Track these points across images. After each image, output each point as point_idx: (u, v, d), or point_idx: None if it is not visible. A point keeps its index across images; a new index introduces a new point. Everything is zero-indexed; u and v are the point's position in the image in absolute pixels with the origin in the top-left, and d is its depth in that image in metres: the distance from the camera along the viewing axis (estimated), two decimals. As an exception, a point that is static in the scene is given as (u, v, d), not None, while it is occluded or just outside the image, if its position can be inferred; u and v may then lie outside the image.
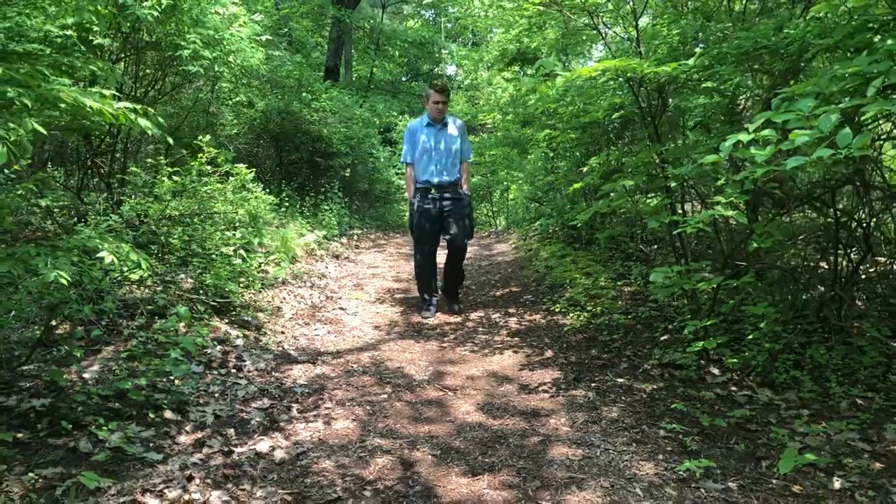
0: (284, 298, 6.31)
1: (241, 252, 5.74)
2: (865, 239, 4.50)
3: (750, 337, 4.59)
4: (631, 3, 4.64)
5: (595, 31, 5.40)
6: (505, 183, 14.59)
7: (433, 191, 6.10)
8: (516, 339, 5.53)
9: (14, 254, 3.06)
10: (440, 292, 6.49)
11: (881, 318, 4.85)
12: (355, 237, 10.90)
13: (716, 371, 4.56)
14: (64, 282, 3.07)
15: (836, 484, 3.10)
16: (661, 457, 3.43)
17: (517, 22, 8.29)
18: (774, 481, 3.14)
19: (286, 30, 9.69)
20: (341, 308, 6.34)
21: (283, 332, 5.42)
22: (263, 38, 7.10)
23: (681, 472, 3.25)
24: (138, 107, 2.73)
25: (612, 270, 6.90)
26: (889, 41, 2.44)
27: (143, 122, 2.68)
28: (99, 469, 3.15)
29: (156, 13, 5.25)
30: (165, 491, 3.03)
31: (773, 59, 3.28)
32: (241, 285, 5.79)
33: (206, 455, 3.42)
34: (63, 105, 2.41)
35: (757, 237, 3.79)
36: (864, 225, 4.59)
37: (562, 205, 8.35)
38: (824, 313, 4.81)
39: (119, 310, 4.93)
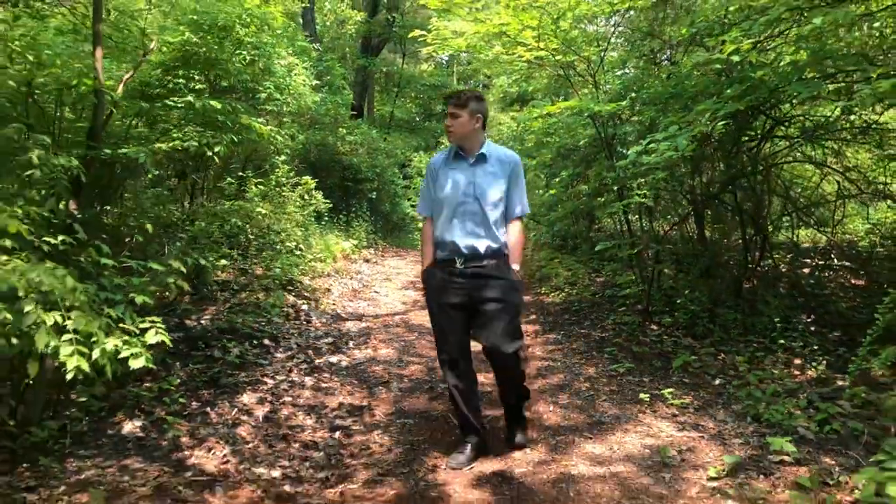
0: (332, 285, 7.93)
1: (301, 247, 7.38)
2: (760, 231, 6.08)
3: (678, 301, 6.16)
4: (590, 64, 6.28)
5: (570, 81, 7.02)
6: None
7: (459, 263, 3.40)
8: (510, 310, 7.13)
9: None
10: (483, 427, 3.68)
11: (777, 292, 6.40)
12: (380, 248, 12.56)
13: (654, 327, 6.11)
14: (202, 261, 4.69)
15: (716, 381, 4.65)
16: (600, 365, 4.99)
17: (515, 70, 9.97)
18: (672, 375, 4.69)
19: (328, 77, 11.44)
20: (375, 292, 7.95)
21: (334, 304, 7.03)
22: (312, 83, 8.83)
23: (611, 371, 4.81)
24: (273, 129, 4.36)
25: (589, 268, 8.48)
26: (710, 101, 4.06)
27: (279, 138, 4.30)
28: (230, 366, 4.75)
29: (241, 65, 6.97)
30: (276, 375, 4.63)
31: (671, 100, 4.87)
32: (300, 273, 7.41)
33: (296, 363, 5.02)
34: (241, 125, 4.00)
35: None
36: (760, 221, 6.17)
37: (552, 219, 9.96)
38: (737, 286, 6.37)
39: (212, 285, 6.55)
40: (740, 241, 6.25)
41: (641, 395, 4.26)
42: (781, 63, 4.17)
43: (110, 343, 2.29)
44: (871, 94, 3.26)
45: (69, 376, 2.32)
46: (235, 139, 4.11)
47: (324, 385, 4.61)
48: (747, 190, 6.16)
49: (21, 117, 3.46)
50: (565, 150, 7.99)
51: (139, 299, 2.74)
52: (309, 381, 4.64)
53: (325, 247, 9.15)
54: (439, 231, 3.48)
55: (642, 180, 5.18)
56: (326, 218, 10.68)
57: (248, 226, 6.89)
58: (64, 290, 2.07)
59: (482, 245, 3.38)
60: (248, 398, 4.23)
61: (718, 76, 4.46)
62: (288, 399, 4.30)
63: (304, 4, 11.32)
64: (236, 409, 4.04)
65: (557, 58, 6.30)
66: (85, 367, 2.25)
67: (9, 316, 2.03)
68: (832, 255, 7.46)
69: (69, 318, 2.17)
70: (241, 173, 6.78)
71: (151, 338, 2.60)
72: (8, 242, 2.31)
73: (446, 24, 6.81)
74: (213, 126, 4.18)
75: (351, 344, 5.62)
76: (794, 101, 4.41)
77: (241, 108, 4.42)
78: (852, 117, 5.94)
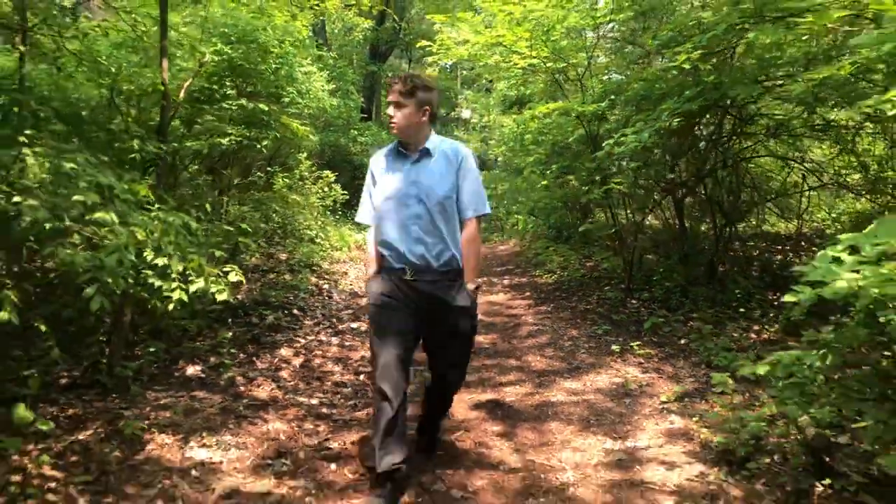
0: (348, 269, 8.73)
1: (320, 236, 8.19)
2: (725, 215, 6.86)
3: (655, 279, 6.94)
4: (577, 70, 7.06)
5: (560, 85, 7.81)
6: (516, 216, 16.97)
7: (409, 275, 2.90)
8: (507, 288, 7.92)
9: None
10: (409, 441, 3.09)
11: (748, 274, 7.17)
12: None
13: (633, 301, 6.88)
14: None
15: (682, 341, 5.42)
16: (583, 328, 5.78)
17: (512, 76, 10.76)
18: (643, 336, 5.48)
19: (341, 82, 12.25)
20: (387, 276, 8.77)
21: (351, 284, 7.84)
22: (329, 88, 9.64)
23: (591, 333, 5.60)
24: (306, 128, 5.15)
25: (580, 254, 9.27)
26: (671, 101, 4.84)
27: (313, 137, 5.09)
28: (267, 329, 5.54)
29: (268, 73, 7.79)
30: (307, 336, 5.43)
31: (642, 101, 5.64)
32: (320, 258, 8.22)
33: (322, 328, 5.81)
34: (280, 124, 4.81)
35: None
36: (729, 210, 6.94)
37: (548, 211, 10.75)
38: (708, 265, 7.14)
39: (245, 267, 7.35)
40: (712, 229, 7.04)
41: (613, 348, 5.05)
42: (730, 70, 4.95)
43: (202, 281, 3.08)
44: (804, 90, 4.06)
45: (170, 306, 3.12)
46: (277, 135, 4.93)
47: (347, 344, 5.41)
48: (719, 183, 6.94)
49: (107, 116, 4.28)
50: (559, 147, 8.77)
51: (217, 253, 3.54)
52: (335, 340, 5.45)
53: (340, 237, 9.95)
54: (385, 239, 2.92)
55: (617, 171, 5.95)
56: (340, 212, 11.49)
57: (274, 214, 7.69)
58: (183, 237, 2.86)
59: (431, 254, 2.87)
60: (285, 352, 5.03)
61: (681, 81, 5.24)
62: (318, 353, 5.11)
63: (321, 17, 12.11)
64: (277, 359, 4.84)
65: (549, 65, 7.10)
66: (185, 297, 3.05)
67: (132, 258, 2.81)
68: (801, 242, 8.25)
69: (177, 261, 2.96)
70: (268, 168, 7.59)
71: (233, 277, 3.40)
72: (116, 205, 3.10)
73: (450, 35, 7.61)
74: (258, 125, 5.00)
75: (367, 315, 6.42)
76: (741, 101, 5.14)
77: (277, 109, 5.26)
78: (814, 116, 6.70)
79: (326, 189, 8.19)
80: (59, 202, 2.32)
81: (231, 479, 3.01)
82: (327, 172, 8.14)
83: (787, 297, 2.36)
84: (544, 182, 7.22)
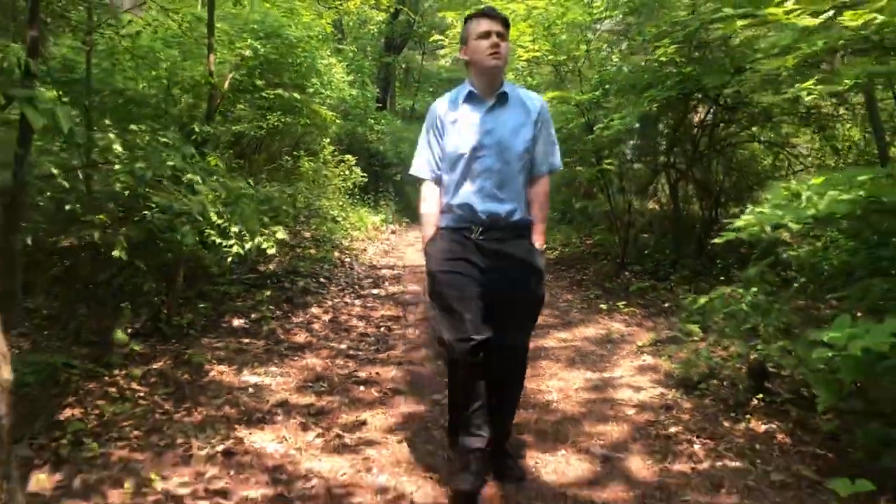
0: (367, 247, 9.44)
1: (341, 216, 8.89)
2: (715, 197, 7.48)
3: (647, 253, 7.58)
4: (576, 63, 7.68)
5: (561, 76, 8.44)
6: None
7: (476, 231, 2.64)
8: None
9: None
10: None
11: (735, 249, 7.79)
12: (404, 223, 14.07)
13: (626, 273, 7.53)
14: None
15: (665, 304, 6.07)
16: (577, 294, 6.46)
17: (518, 67, 11.41)
18: (630, 298, 6.14)
19: (358, 74, 12.94)
20: (402, 253, 9.46)
21: (370, 259, 8.54)
22: (348, 80, 10.32)
23: (584, 297, 6.27)
24: (333, 114, 5.83)
25: (581, 234, 9.91)
26: (654, 90, 5.46)
27: (338, 122, 5.76)
28: (298, 293, 6.25)
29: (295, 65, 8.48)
30: (333, 299, 6.15)
31: (631, 90, 6.27)
32: (341, 236, 8.93)
33: (347, 293, 6.53)
34: (310, 111, 5.50)
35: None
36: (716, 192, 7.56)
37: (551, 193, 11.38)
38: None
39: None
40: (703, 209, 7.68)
41: (601, 306, 5.73)
42: (705, 61, 5.58)
43: (256, 239, 3.79)
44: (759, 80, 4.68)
45: (229, 259, 3.84)
46: (308, 121, 5.63)
47: (369, 305, 6.12)
48: (709, 167, 7.57)
49: (164, 103, 4.99)
50: (561, 134, 9.40)
51: (265, 218, 4.25)
52: (358, 302, 6.16)
53: (358, 218, 10.66)
54: (449, 194, 2.66)
55: (610, 153, 6.60)
56: (358, 196, 12.19)
57: (300, 196, 8.40)
58: (243, 200, 3.56)
59: (504, 211, 2.59)
60: (315, 310, 5.75)
61: (664, 73, 5.86)
62: (344, 311, 5.81)
63: (343, 15, 12.77)
64: (309, 315, 5.56)
65: (550, 57, 7.73)
66: (242, 251, 3.76)
67: (201, 218, 3.51)
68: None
69: (236, 220, 3.67)
70: (293, 153, 8.30)
71: (280, 235, 4.12)
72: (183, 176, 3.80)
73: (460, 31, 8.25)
74: (293, 112, 5.71)
75: (386, 283, 7.12)
76: (712, 89, 5.73)
77: (306, 98, 5.96)
78: (797, 105, 7.29)
79: (347, 172, 8.90)
80: (155, 165, 3.02)
81: (280, 395, 3.72)
82: (348, 156, 8.84)
83: (717, 240, 3.01)
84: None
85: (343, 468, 2.84)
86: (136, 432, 3.07)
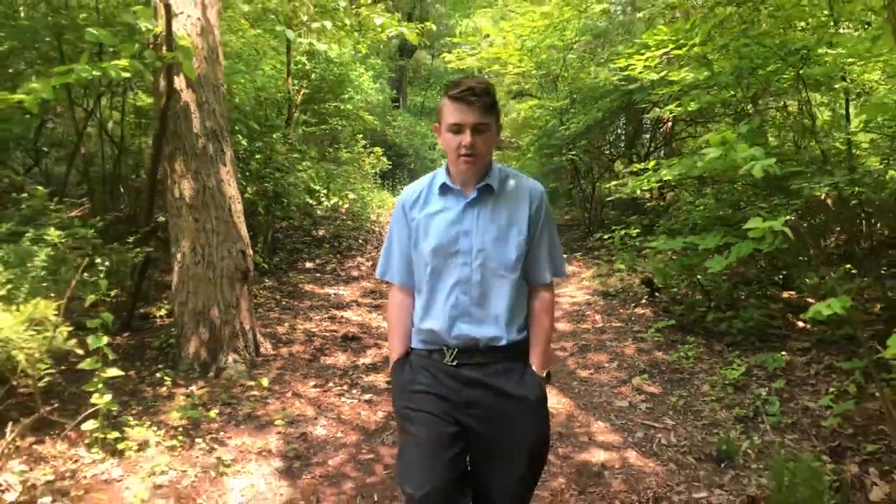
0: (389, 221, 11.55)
1: (369, 196, 11.04)
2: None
3: (607, 223, 9.72)
4: (554, 76, 9.78)
5: (541, 86, 10.55)
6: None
7: (449, 356, 1.90)
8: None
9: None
10: None
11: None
12: (417, 207, 16.27)
13: (592, 238, 9.65)
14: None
15: (614, 256, 8.22)
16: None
17: (508, 81, 13.56)
18: (585, 252, 8.28)
19: (379, 79, 15.09)
20: (418, 226, 11.62)
21: (393, 229, 10.69)
22: (374, 87, 12.44)
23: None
24: (371, 117, 7.97)
25: (562, 211, 12.03)
26: (606, 100, 7.58)
27: (375, 123, 7.87)
28: (345, 249, 8.42)
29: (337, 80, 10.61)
30: (370, 252, 8.34)
31: (589, 99, 8.37)
32: (370, 213, 11.10)
33: (367, 259, 8.70)
34: (358, 116, 7.67)
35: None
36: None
37: (537, 177, 13.53)
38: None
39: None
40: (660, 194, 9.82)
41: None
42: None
43: (334, 198, 5.96)
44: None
45: (319, 210, 6.02)
46: (355, 124, 7.82)
47: (397, 257, 8.30)
48: (661, 158, 9.70)
49: (256, 112, 7.15)
50: (541, 131, 11.55)
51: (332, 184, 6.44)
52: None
53: (381, 200, 12.82)
54: (422, 307, 1.96)
55: (574, 147, 8.73)
56: (379, 182, 14.36)
57: (339, 180, 10.56)
58: (326, 174, 5.71)
59: (484, 336, 1.89)
60: (359, 259, 7.93)
61: (611, 88, 7.96)
62: (380, 260, 8.00)
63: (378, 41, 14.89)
64: (356, 262, 7.74)
65: (533, 72, 9.87)
66: (329, 203, 5.94)
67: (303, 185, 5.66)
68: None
69: (322, 185, 5.82)
70: (334, 146, 10.46)
71: (351, 196, 6.30)
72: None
73: (462, 49, 10.39)
74: (345, 117, 7.89)
75: (408, 244, 9.31)
76: (638, 103, 7.80)
77: (352, 107, 8.14)
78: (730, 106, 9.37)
79: (375, 161, 11.06)
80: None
81: (351, 298, 5.91)
82: (377, 148, 10.99)
83: (612, 198, 5.15)
84: (529, 155, 10.00)
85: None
86: (276, 308, 5.27)
